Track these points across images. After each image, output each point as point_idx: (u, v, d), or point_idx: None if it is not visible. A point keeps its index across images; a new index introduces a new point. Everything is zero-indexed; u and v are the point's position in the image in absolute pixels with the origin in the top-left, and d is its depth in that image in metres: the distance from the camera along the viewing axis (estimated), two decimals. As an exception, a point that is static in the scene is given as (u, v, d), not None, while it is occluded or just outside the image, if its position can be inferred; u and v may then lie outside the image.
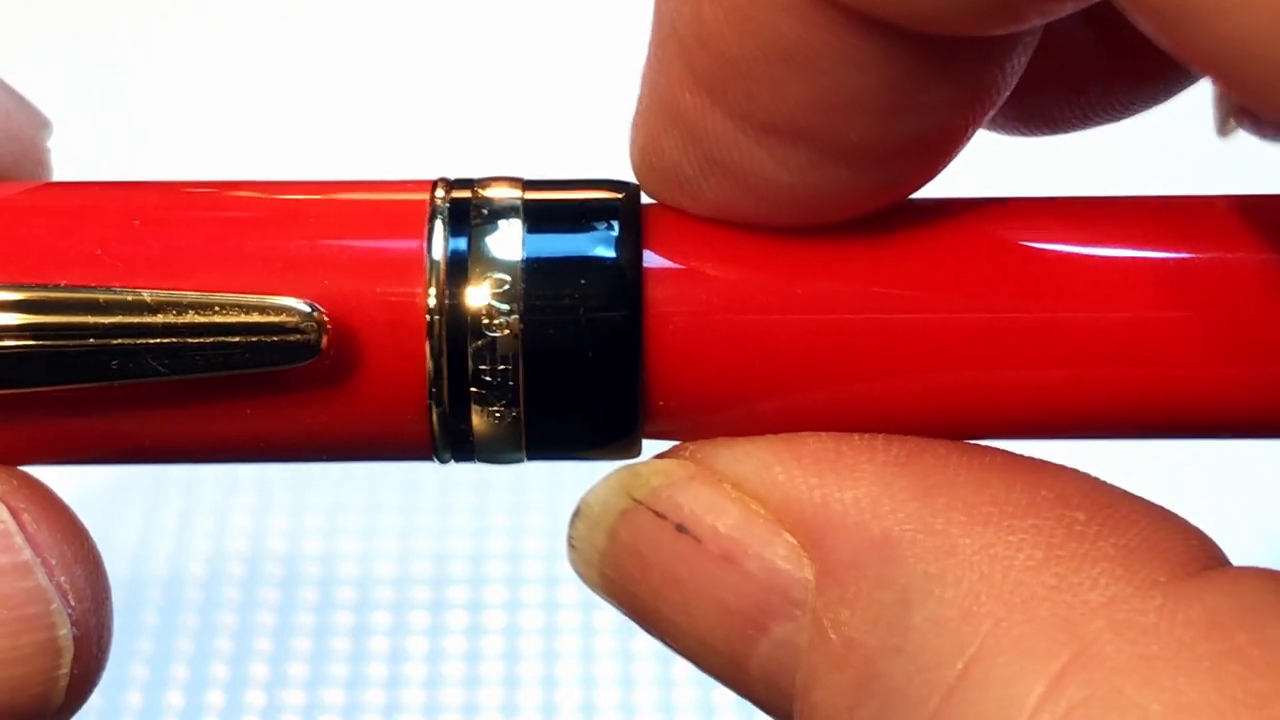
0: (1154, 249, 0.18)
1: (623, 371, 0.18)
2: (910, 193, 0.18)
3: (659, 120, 0.17)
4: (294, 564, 0.40)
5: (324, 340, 0.17)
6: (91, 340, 0.17)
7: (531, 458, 0.18)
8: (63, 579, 0.18)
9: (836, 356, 0.18)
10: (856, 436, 0.18)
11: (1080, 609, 0.16)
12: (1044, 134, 0.20)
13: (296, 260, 0.18)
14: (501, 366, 0.18)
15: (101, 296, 0.17)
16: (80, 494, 0.19)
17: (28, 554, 0.18)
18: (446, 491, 0.41)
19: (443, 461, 0.19)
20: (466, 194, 0.18)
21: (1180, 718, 0.15)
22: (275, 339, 0.17)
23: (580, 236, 0.18)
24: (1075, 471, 0.17)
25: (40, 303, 0.17)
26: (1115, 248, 0.18)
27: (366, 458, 0.20)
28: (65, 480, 0.19)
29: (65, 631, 0.18)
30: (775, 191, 0.17)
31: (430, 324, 0.17)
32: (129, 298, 0.17)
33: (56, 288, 0.17)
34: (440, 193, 0.18)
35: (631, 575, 0.18)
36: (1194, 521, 0.17)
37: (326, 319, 0.17)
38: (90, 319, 0.17)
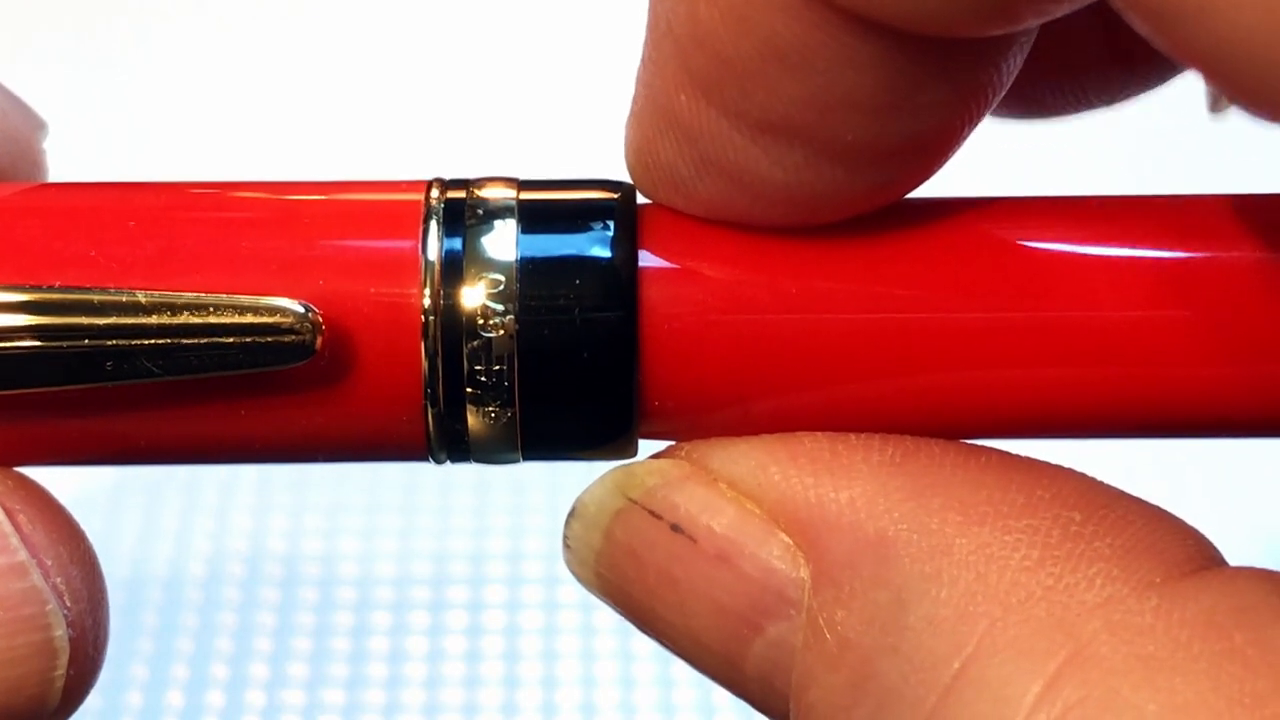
0: (1151, 248, 0.18)
1: (618, 371, 0.18)
2: (906, 192, 0.18)
3: (654, 120, 0.17)
4: (294, 564, 0.40)
5: (319, 341, 0.17)
6: (86, 341, 0.17)
7: (527, 458, 0.18)
8: (58, 580, 0.18)
9: (832, 356, 0.18)
10: (852, 436, 0.18)
11: (1076, 609, 0.15)
12: (1036, 119, 0.20)
13: (291, 261, 0.18)
14: (497, 367, 0.18)
15: (96, 297, 0.17)
16: (80, 494, 0.19)
17: (23, 555, 0.18)
18: (446, 491, 0.41)
19: (438, 462, 0.19)
20: (461, 194, 0.18)
21: (1177, 718, 0.15)
22: (270, 340, 0.17)
23: (575, 236, 0.18)
24: (1071, 471, 0.17)
25: (35, 303, 0.17)
26: (1112, 247, 0.18)
27: (362, 458, 0.20)
28: (65, 481, 0.19)
29: (61, 633, 0.18)
30: (771, 191, 0.17)
31: (425, 324, 0.17)
32: (124, 298, 0.17)
33: (51, 288, 0.17)
34: (435, 193, 0.18)
35: (627, 575, 0.18)
36: (1192, 521, 0.17)
37: (321, 319, 0.17)
38: (85, 320, 0.17)
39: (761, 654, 0.17)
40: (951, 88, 0.16)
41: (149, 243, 0.18)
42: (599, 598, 0.19)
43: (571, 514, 0.19)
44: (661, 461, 0.18)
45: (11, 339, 0.17)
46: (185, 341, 0.17)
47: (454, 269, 0.18)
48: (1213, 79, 0.13)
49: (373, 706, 0.37)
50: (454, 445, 0.18)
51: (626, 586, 0.18)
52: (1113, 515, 0.16)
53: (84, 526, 0.19)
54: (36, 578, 0.18)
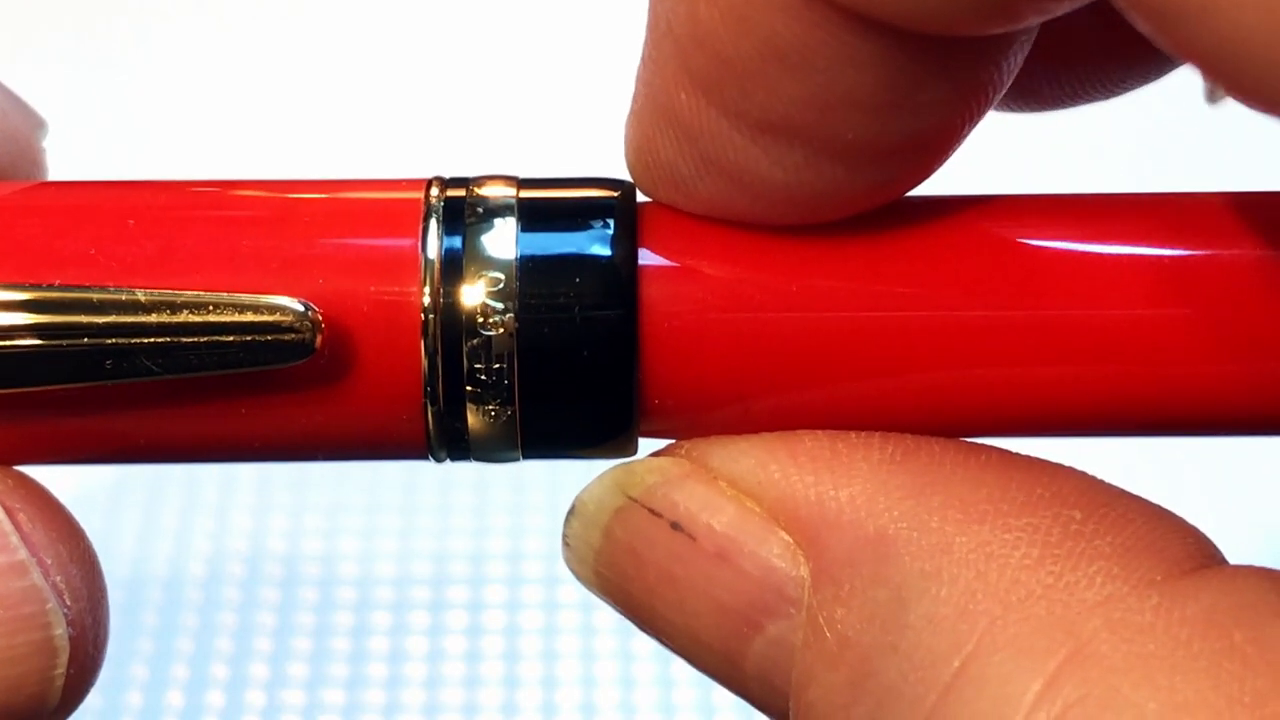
0: (1151, 246, 0.18)
1: (618, 370, 0.18)
2: (906, 191, 0.18)
3: (654, 119, 0.17)
4: (294, 564, 0.40)
5: (318, 339, 0.17)
6: (86, 340, 0.17)
7: (527, 456, 0.18)
8: (58, 578, 0.18)
9: (832, 354, 0.18)
10: (852, 434, 0.18)
11: (1076, 607, 0.15)
12: (1032, 111, 0.20)
13: (291, 259, 0.18)
14: (496, 365, 0.18)
15: (96, 296, 0.17)
16: (80, 494, 0.19)
17: (23, 553, 0.18)
18: (446, 491, 0.41)
19: (438, 460, 0.19)
20: (461, 192, 0.18)
21: (1177, 716, 0.15)
22: (270, 338, 0.17)
23: (575, 235, 0.18)
24: (1071, 470, 0.17)
25: (35, 302, 0.17)
26: (1112, 245, 0.18)
27: (362, 457, 0.20)
28: (65, 480, 0.19)
29: (61, 631, 0.18)
30: (771, 190, 0.17)
31: (425, 322, 0.17)
32: (123, 297, 0.17)
33: (51, 287, 0.17)
34: (435, 191, 0.18)
35: (626, 573, 0.18)
36: (1191, 519, 0.17)
37: (321, 318, 0.17)
38: (84, 318, 0.17)
39: (761, 652, 0.17)
40: (952, 86, 0.16)
41: (149, 241, 0.18)
42: (598, 596, 0.19)
43: (571, 512, 0.19)
44: (661, 459, 0.18)
45: (11, 337, 0.17)
46: (185, 340, 0.17)
47: (454, 267, 0.18)
48: (1215, 78, 0.13)
49: (373, 706, 0.37)
50: (454, 444, 0.18)
51: (626, 585, 0.18)
52: (1113, 513, 0.16)
53: (84, 525, 0.19)
54: (36, 576, 0.18)
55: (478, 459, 0.18)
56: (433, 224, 0.18)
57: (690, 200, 0.18)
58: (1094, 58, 0.19)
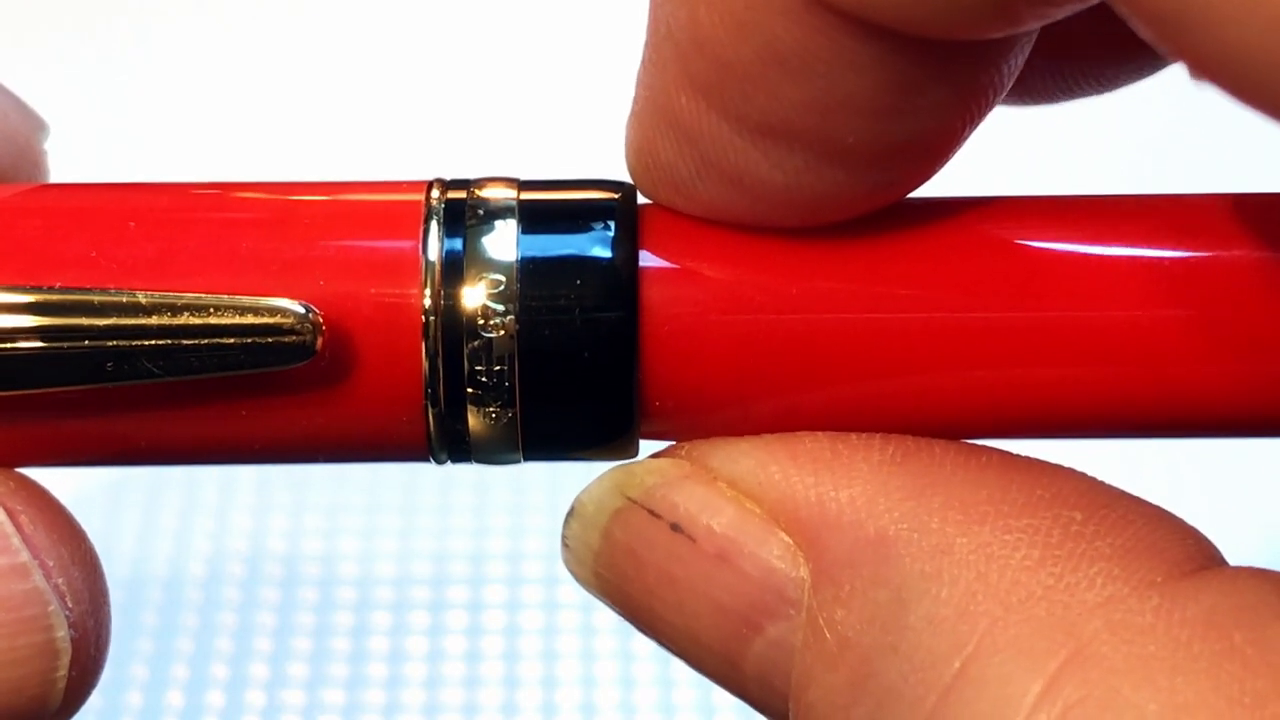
0: (1152, 248, 0.18)
1: (619, 371, 0.18)
2: (907, 193, 0.18)
3: (654, 122, 0.17)
4: (294, 564, 0.40)
5: (319, 341, 0.17)
6: (87, 342, 0.17)
7: (528, 458, 0.18)
8: (60, 581, 0.18)
9: (833, 356, 0.18)
10: (853, 436, 0.18)
11: (1077, 608, 0.15)
12: (1025, 106, 0.20)
13: (292, 261, 0.18)
14: (497, 367, 0.18)
15: (96, 298, 0.17)
16: (80, 494, 0.19)
17: (25, 556, 0.18)
18: (446, 491, 0.41)
19: (439, 462, 0.19)
20: (462, 194, 0.18)
21: (1177, 717, 0.15)
22: (270, 340, 0.17)
23: (576, 237, 0.18)
24: (1072, 471, 0.17)
25: (36, 304, 0.17)
26: (1112, 246, 0.18)
27: (362, 459, 0.20)
28: (64, 480, 0.19)
29: (63, 633, 0.18)
30: (771, 193, 0.17)
31: (426, 325, 0.17)
32: (124, 299, 0.17)
33: (52, 289, 0.17)
34: (435, 193, 0.18)
35: (625, 574, 0.18)
36: (1192, 521, 0.17)
37: (322, 320, 0.17)
38: (85, 321, 0.17)
39: (761, 654, 0.17)
40: (952, 89, 0.16)
41: (149, 243, 0.18)
42: (597, 598, 0.19)
43: (570, 514, 0.19)
44: (661, 461, 0.18)
45: (12, 340, 0.17)
46: (186, 342, 0.17)
47: (454, 269, 0.18)
48: (1218, 85, 0.13)
49: (373, 706, 0.37)
50: (455, 445, 0.18)
51: (625, 586, 0.18)
52: (1113, 515, 0.16)
53: (84, 526, 0.19)
54: (38, 579, 0.18)
55: (478, 461, 0.18)
56: (433, 226, 0.18)
57: (690, 202, 0.18)
58: (1088, 53, 0.19)
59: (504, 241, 0.18)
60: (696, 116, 0.17)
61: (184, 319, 0.17)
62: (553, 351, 0.18)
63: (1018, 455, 0.17)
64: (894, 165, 0.17)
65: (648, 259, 0.18)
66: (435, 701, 0.37)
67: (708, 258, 0.18)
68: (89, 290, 0.17)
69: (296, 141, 0.49)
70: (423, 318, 0.17)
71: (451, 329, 0.17)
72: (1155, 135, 0.48)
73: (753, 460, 0.18)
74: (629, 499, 0.18)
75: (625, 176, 0.18)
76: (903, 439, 0.17)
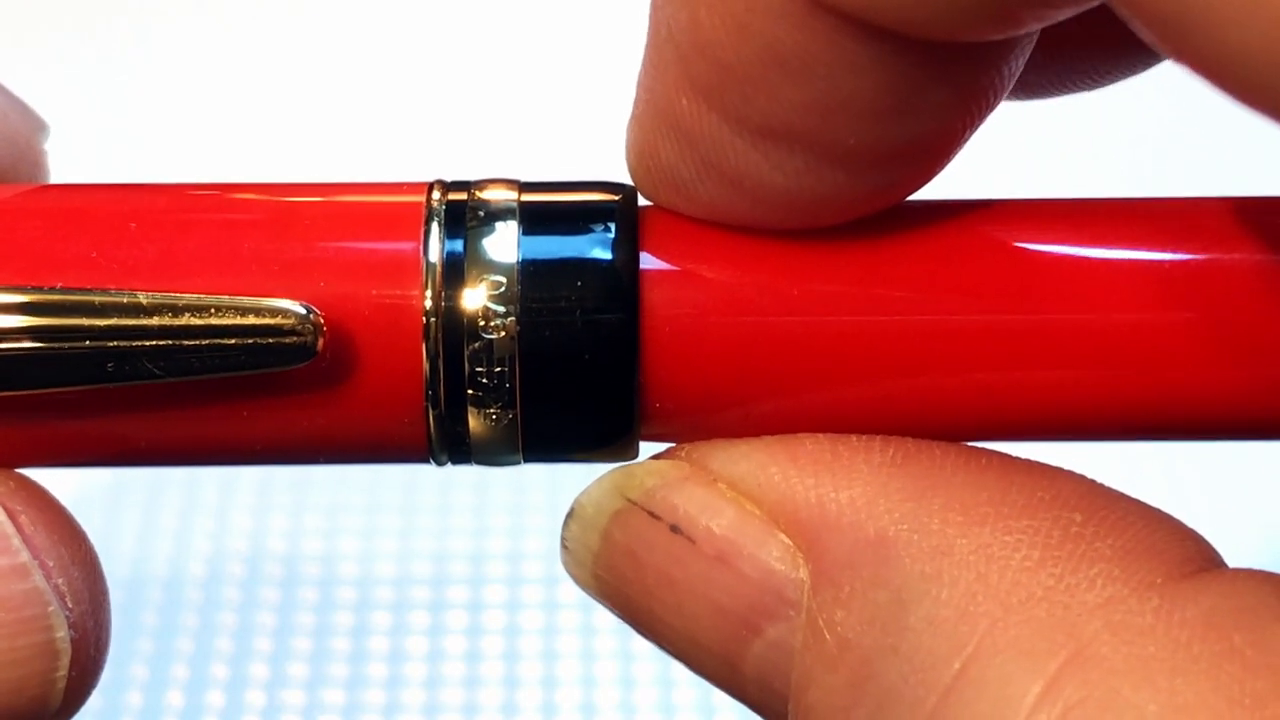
0: (1152, 250, 0.18)
1: (619, 373, 0.18)
2: (907, 195, 0.18)
3: (655, 124, 0.17)
4: (294, 564, 0.40)
5: (320, 342, 0.17)
6: (87, 342, 0.17)
7: (528, 460, 0.18)
8: (60, 581, 0.18)
9: (833, 358, 0.18)
10: (853, 438, 0.18)
11: (1077, 610, 0.16)
12: (1016, 100, 0.20)
13: (293, 262, 0.18)
14: (498, 368, 0.18)
15: (97, 299, 0.17)
16: (80, 494, 0.19)
17: (25, 556, 0.18)
18: (446, 491, 0.41)
19: (439, 464, 0.19)
20: (462, 196, 0.18)
21: (1177, 718, 0.15)
22: (271, 341, 0.17)
23: (577, 238, 0.18)
24: (1071, 473, 0.17)
25: (36, 305, 0.17)
26: (1113, 249, 0.18)
27: (363, 460, 0.20)
28: (65, 480, 0.19)
29: (63, 634, 0.18)
30: (771, 195, 0.17)
31: (426, 326, 0.17)
32: (124, 300, 0.17)
33: (52, 290, 0.17)
34: (436, 195, 0.18)
35: (625, 576, 0.18)
36: (1191, 523, 0.17)
37: (323, 321, 0.17)
38: (86, 321, 0.17)
39: (760, 655, 0.17)
40: (953, 91, 0.16)
41: (150, 244, 0.18)
42: (597, 600, 0.19)
43: (569, 515, 0.19)
44: (661, 462, 0.18)
45: (13, 340, 0.17)
46: (186, 343, 0.17)
47: (455, 271, 0.18)
48: (1219, 86, 0.13)
49: (373, 706, 0.37)
50: (455, 447, 0.18)
51: (624, 588, 0.18)
52: (1113, 516, 0.16)
53: (84, 526, 0.19)
54: (38, 579, 0.18)
55: (479, 462, 0.18)
56: (434, 227, 0.18)
57: (691, 204, 0.18)
58: (1081, 49, 0.19)
59: (505, 243, 0.18)
60: (697, 118, 0.17)
61: (185, 320, 0.17)
62: (553, 353, 0.18)
63: (1017, 457, 0.17)
64: (894, 167, 0.17)
65: (648, 261, 0.18)
66: (435, 701, 0.37)
67: (708, 259, 0.18)
68: (89, 291, 0.17)
69: (297, 142, 0.49)
70: (423, 319, 0.18)
71: (452, 330, 0.17)
72: (1155, 137, 0.48)
73: (753, 462, 0.18)
74: (628, 501, 0.18)
75: (626, 178, 0.18)
76: (903, 441, 0.17)
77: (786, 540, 0.17)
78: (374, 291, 0.18)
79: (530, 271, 0.18)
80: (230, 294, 0.17)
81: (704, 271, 0.18)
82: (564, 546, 0.19)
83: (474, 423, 0.18)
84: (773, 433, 0.18)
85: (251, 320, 0.17)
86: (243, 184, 0.19)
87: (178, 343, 0.17)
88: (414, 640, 0.38)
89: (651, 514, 0.18)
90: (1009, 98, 0.19)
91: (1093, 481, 0.17)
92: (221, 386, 0.18)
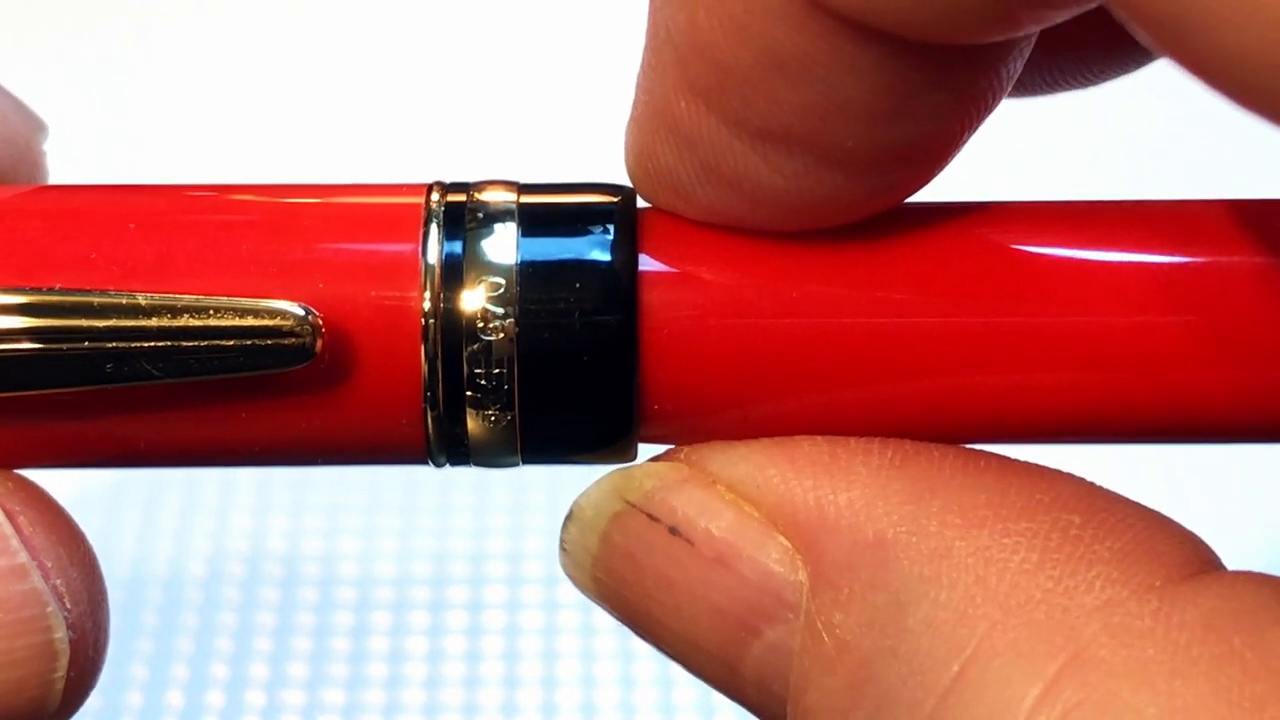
0: (1150, 253, 0.18)
1: (618, 375, 0.18)
2: (906, 197, 0.18)
3: (654, 126, 0.17)
4: (294, 564, 0.40)
5: (318, 344, 0.17)
6: (86, 343, 0.17)
7: (527, 461, 0.18)
8: (59, 582, 0.18)
9: (832, 360, 0.18)
10: (851, 440, 0.18)
11: (1076, 612, 0.15)
12: (1010, 98, 0.20)
13: (291, 264, 0.18)
14: (496, 370, 0.18)
15: (96, 299, 0.17)
16: (80, 494, 0.19)
17: (23, 556, 0.18)
18: (446, 491, 0.41)
19: (438, 465, 0.19)
20: (461, 198, 0.18)
21: (1176, 721, 0.15)
22: (270, 342, 0.17)
23: (575, 240, 0.18)
24: (1070, 476, 0.17)
25: (35, 306, 0.17)
26: (1111, 251, 0.18)
27: (361, 461, 0.20)
28: (65, 480, 0.19)
29: (61, 634, 0.18)
30: (770, 197, 0.17)
31: (425, 327, 0.17)
32: (123, 300, 0.17)
33: (51, 291, 0.17)
34: (435, 196, 0.18)
35: (624, 578, 0.18)
36: (1190, 525, 0.17)
37: (321, 322, 0.17)
38: (84, 322, 0.17)
39: (759, 657, 0.17)
40: (951, 94, 0.16)
41: (149, 245, 0.18)
42: (596, 602, 0.19)
43: (568, 518, 0.19)
44: (659, 464, 0.18)
45: (11, 341, 0.17)
46: (185, 344, 0.17)
47: (454, 272, 0.18)
48: (1217, 88, 0.13)
49: (373, 706, 0.37)
50: (454, 448, 0.18)
51: (623, 590, 0.18)
52: (1112, 519, 0.16)
53: (83, 526, 0.19)
54: (37, 580, 0.18)
55: (477, 464, 0.18)
56: (433, 229, 0.18)
57: (690, 206, 0.18)
58: (1076, 48, 0.19)
59: (504, 244, 0.18)
60: (696, 121, 0.17)
61: (183, 321, 0.17)
62: (552, 355, 0.18)
63: (1016, 460, 0.17)
64: (893, 169, 0.17)
65: (647, 263, 0.18)
66: (435, 701, 0.37)
67: (707, 261, 0.18)
68: (88, 292, 0.17)
69: (297, 143, 0.49)
70: (422, 320, 0.17)
71: (451, 332, 0.17)
72: (1154, 139, 0.48)
73: (751, 464, 0.18)
74: (627, 503, 0.18)
75: (625, 180, 0.18)
76: (901, 443, 0.17)
77: (785, 542, 0.17)
78: (373, 293, 0.18)
79: (529, 273, 0.18)
80: (229, 295, 0.17)
81: (703, 273, 0.18)
82: (563, 549, 0.19)
83: (472, 424, 0.18)
84: (771, 434, 0.18)
85: (250, 322, 0.17)
86: (241, 185, 0.19)
87: (176, 344, 0.17)
88: (414, 640, 0.38)
89: (650, 516, 0.18)
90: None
91: (1091, 484, 0.17)
92: (220, 388, 0.18)
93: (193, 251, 0.18)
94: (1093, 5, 0.15)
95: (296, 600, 0.39)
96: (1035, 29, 0.15)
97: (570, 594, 0.39)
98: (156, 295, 0.17)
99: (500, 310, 0.17)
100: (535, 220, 0.18)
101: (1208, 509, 0.39)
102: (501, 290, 0.18)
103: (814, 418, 0.18)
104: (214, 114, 0.50)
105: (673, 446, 0.19)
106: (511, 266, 0.18)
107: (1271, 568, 0.16)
